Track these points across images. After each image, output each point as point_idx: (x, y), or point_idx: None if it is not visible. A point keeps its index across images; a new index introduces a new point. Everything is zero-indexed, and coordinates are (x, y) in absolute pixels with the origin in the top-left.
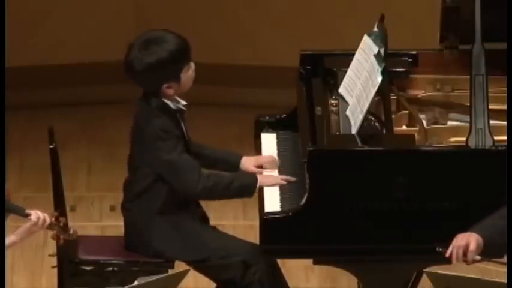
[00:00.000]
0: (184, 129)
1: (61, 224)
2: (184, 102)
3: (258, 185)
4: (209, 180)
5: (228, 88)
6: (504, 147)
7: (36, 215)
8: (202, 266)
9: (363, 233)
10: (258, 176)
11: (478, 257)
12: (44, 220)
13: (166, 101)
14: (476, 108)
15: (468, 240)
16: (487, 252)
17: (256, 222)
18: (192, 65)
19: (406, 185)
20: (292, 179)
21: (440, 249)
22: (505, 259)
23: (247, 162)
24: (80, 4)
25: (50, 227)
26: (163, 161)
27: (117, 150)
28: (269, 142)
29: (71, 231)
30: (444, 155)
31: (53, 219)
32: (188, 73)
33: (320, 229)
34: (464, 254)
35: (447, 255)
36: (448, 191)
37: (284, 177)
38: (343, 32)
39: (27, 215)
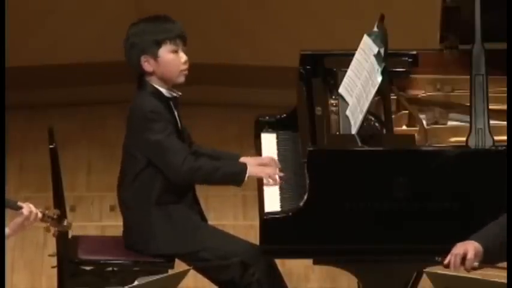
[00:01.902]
0: (177, 117)
1: (54, 216)
2: (179, 93)
3: (247, 174)
4: (196, 162)
5: (228, 88)
6: (504, 147)
7: (28, 208)
8: (201, 266)
9: (363, 233)
10: (248, 166)
11: (476, 264)
12: (36, 214)
13: (159, 87)
14: (476, 108)
15: (466, 248)
16: (486, 260)
17: (256, 222)
18: (182, 54)
19: (406, 185)
20: (280, 174)
21: (439, 258)
22: (502, 264)
23: (246, 162)
24: (80, 4)
25: (43, 219)
26: (151, 142)
27: (117, 150)
28: (269, 142)
29: (65, 223)
30: (444, 155)
31: (47, 211)
32: (169, 55)
33: (320, 229)
34: (463, 262)
35: (445, 262)
36: (448, 191)
37: (272, 171)
38: (343, 32)
39: (20, 208)
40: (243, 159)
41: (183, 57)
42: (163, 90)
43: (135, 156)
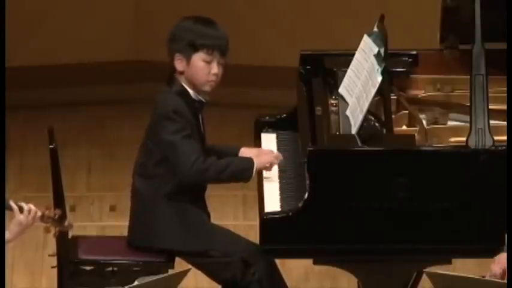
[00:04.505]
0: (201, 120)
1: (55, 216)
2: (206, 98)
3: (255, 168)
4: (204, 164)
5: (228, 88)
6: (504, 147)
7: (26, 207)
8: (202, 263)
9: (363, 232)
10: (254, 159)
11: None
12: (36, 213)
13: (187, 88)
14: (476, 108)
15: (502, 265)
16: None
17: (256, 222)
18: (214, 66)
19: (406, 185)
20: (280, 156)
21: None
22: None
23: (247, 153)
24: (80, 4)
25: (43, 219)
26: (165, 141)
27: (117, 150)
28: (269, 142)
29: (66, 223)
30: (444, 155)
31: (47, 211)
32: (200, 63)
33: (320, 229)
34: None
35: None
36: (448, 191)
37: (277, 154)
38: (343, 32)
39: (12, 209)
40: (243, 150)
41: (214, 68)
42: (191, 91)
43: (151, 149)
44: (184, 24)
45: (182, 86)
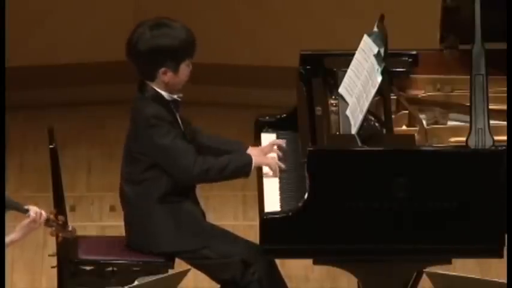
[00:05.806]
0: (179, 120)
1: (60, 222)
2: (180, 95)
3: (253, 164)
4: (204, 164)
5: (228, 88)
6: (504, 147)
7: (34, 210)
8: (202, 264)
9: (363, 232)
10: (253, 156)
11: None
12: (41, 215)
13: (160, 91)
14: (476, 108)
15: None
16: None
17: (256, 222)
18: (190, 65)
19: (406, 185)
20: (282, 166)
21: None
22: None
23: (251, 152)
24: (80, 4)
25: (48, 223)
26: (157, 147)
27: (117, 150)
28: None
29: (70, 229)
30: (444, 155)
31: (52, 216)
32: (186, 69)
33: (320, 229)
34: None
35: None
36: (448, 191)
37: (278, 162)
38: (343, 32)
39: (26, 211)
40: (248, 151)
41: (190, 66)
42: (164, 93)
43: (139, 159)
44: (159, 36)
45: (154, 89)
